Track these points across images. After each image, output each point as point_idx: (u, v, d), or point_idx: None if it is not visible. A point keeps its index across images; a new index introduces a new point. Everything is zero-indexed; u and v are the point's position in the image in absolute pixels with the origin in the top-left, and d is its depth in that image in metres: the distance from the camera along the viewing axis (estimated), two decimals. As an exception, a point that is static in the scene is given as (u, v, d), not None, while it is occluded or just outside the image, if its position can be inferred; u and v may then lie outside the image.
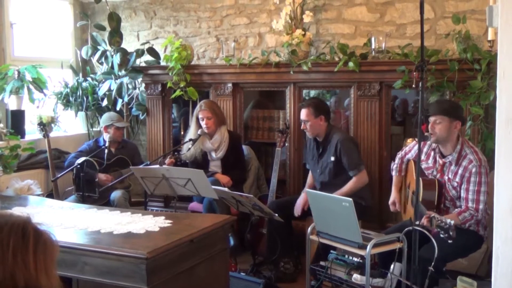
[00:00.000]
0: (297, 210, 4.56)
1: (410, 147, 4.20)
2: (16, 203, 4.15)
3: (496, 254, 2.16)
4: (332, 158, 4.55)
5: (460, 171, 3.75)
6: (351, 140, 4.67)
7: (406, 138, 4.98)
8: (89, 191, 5.10)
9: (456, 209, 3.71)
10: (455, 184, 3.77)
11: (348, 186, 4.46)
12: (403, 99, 5.53)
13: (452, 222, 3.26)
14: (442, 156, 3.87)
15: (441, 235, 3.27)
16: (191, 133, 5.12)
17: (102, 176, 5.18)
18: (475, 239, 3.79)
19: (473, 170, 3.68)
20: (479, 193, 3.66)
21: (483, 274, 4.15)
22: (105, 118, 5.46)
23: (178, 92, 5.46)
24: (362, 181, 4.50)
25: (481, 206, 3.65)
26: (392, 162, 4.31)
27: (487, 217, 3.76)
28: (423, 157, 3.95)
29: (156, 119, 5.88)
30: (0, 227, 1.47)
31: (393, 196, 4.17)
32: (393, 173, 4.23)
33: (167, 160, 4.91)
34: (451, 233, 3.21)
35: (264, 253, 4.69)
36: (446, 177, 3.82)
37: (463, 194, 3.72)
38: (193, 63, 5.67)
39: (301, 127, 4.69)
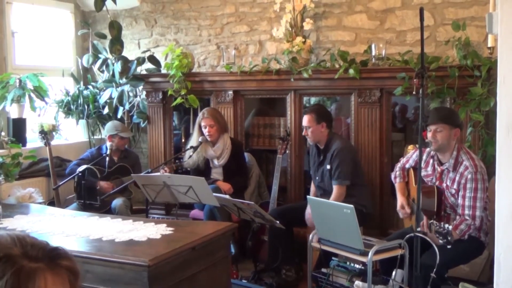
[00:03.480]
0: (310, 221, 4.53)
1: (408, 156, 4.19)
2: (18, 211, 4.16)
3: (498, 261, 2.16)
4: (328, 167, 4.56)
5: (457, 178, 3.75)
6: (349, 151, 4.62)
7: (407, 145, 4.98)
8: (91, 199, 5.10)
9: (453, 223, 3.70)
10: (453, 191, 3.77)
11: (331, 197, 4.45)
12: (402, 105, 5.54)
13: (450, 227, 3.26)
14: (440, 163, 3.88)
15: (440, 241, 3.27)
16: (193, 140, 5.12)
17: (103, 184, 5.19)
18: (476, 246, 3.79)
19: (469, 176, 3.67)
20: (475, 200, 3.65)
21: (485, 281, 4.14)
22: (110, 127, 5.47)
23: (179, 100, 5.47)
24: (338, 195, 4.44)
25: (477, 213, 3.65)
26: (391, 173, 4.30)
27: (489, 223, 3.76)
28: (422, 164, 3.95)
29: (157, 126, 5.89)
30: None
31: (400, 200, 4.07)
32: (397, 180, 4.19)
33: (161, 170, 4.87)
34: (449, 238, 3.21)
35: (265, 260, 4.69)
36: (444, 184, 3.83)
37: (460, 201, 3.72)
38: (193, 70, 5.69)
39: (303, 133, 4.69)
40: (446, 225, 3.25)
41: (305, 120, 4.60)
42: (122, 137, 5.43)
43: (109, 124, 5.54)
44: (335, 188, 4.48)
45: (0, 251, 1.21)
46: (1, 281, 1.18)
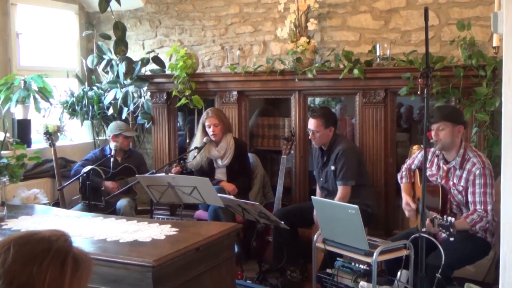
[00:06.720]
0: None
1: (413, 157, 4.18)
2: (23, 212, 4.16)
3: (504, 262, 2.14)
4: (333, 168, 4.55)
5: (464, 175, 3.74)
6: (354, 152, 4.61)
7: (412, 145, 4.96)
8: (95, 200, 5.11)
9: (463, 214, 3.69)
10: (461, 188, 3.76)
11: (336, 197, 4.45)
12: (408, 105, 5.52)
13: (453, 219, 3.24)
14: (446, 162, 3.86)
15: (443, 234, 3.25)
16: (197, 141, 5.12)
17: (108, 184, 5.20)
18: (482, 246, 3.77)
19: (477, 172, 3.66)
20: (485, 195, 3.64)
21: (490, 281, 4.13)
22: (113, 127, 5.48)
23: (183, 101, 5.48)
24: (343, 195, 4.44)
25: (489, 207, 3.63)
26: (398, 174, 4.27)
27: (494, 223, 3.74)
28: (427, 164, 3.93)
29: (161, 127, 5.90)
30: (42, 256, 1.48)
31: (405, 198, 4.03)
32: (403, 180, 4.16)
33: (173, 169, 4.91)
34: (451, 230, 3.19)
35: (270, 261, 4.68)
36: (451, 182, 3.81)
37: (470, 199, 3.70)
38: (198, 71, 5.69)
39: (309, 137, 4.67)
40: (449, 218, 3.24)
41: (313, 124, 4.56)
42: (126, 136, 5.44)
43: (112, 125, 5.55)
44: (340, 188, 4.47)
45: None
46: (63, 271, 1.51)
